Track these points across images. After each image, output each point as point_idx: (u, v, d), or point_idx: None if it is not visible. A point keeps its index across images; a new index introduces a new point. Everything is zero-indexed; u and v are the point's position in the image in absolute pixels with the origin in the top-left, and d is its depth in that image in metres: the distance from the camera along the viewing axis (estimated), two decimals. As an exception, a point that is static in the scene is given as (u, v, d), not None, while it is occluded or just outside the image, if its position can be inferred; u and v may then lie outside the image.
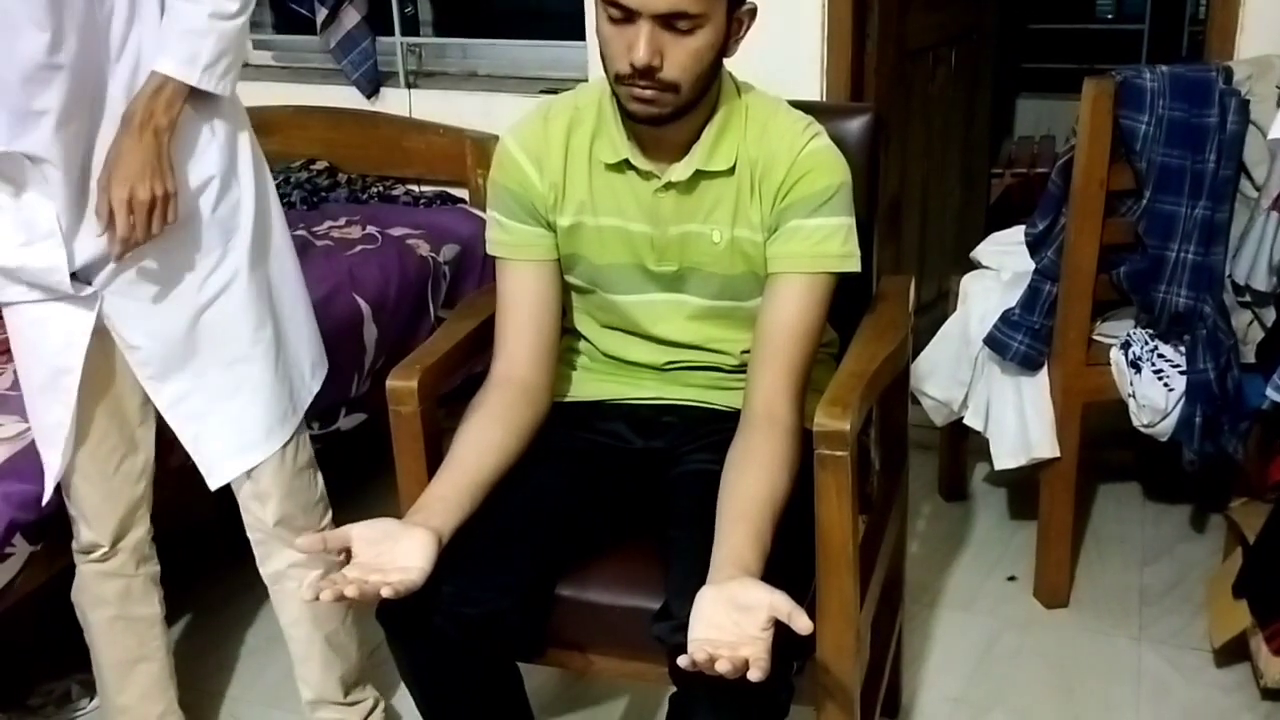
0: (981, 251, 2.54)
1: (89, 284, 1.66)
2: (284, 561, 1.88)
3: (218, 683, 2.27)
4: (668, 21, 1.40)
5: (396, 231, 2.74)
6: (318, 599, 1.32)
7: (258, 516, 1.84)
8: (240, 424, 1.77)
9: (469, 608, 1.43)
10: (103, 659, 1.91)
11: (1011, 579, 2.49)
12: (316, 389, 1.88)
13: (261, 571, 1.91)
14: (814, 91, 2.77)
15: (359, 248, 2.64)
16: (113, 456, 1.79)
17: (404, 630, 1.47)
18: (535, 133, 1.62)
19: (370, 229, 2.74)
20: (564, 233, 1.62)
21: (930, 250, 3.40)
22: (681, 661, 1.26)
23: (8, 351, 2.22)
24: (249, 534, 1.88)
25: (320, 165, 3.14)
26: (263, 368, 1.77)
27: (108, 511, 1.81)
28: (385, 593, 1.33)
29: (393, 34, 3.18)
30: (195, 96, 1.62)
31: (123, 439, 1.79)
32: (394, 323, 2.51)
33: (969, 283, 2.51)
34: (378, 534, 1.40)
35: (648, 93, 1.45)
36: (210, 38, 1.60)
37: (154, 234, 1.60)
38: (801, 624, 1.26)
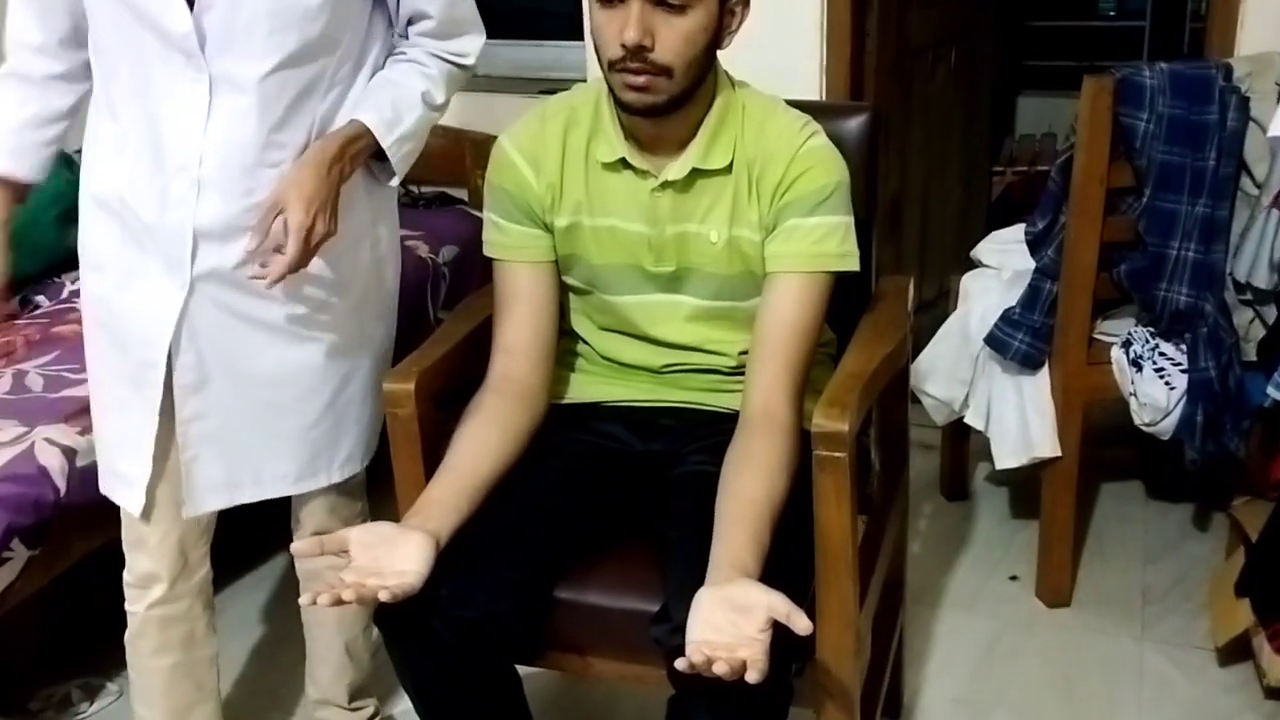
0: (982, 250, 2.53)
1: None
2: (322, 562, 1.82)
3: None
4: (658, 0, 1.41)
5: (395, 233, 2.73)
6: (315, 604, 1.32)
7: (299, 519, 1.83)
8: (238, 460, 1.70)
9: (467, 610, 1.43)
10: (159, 706, 1.82)
11: (1013, 579, 2.48)
12: (349, 474, 1.79)
13: (298, 567, 1.90)
14: (813, 90, 2.76)
15: (358, 249, 2.63)
16: (179, 476, 1.69)
17: (402, 633, 1.47)
18: (532, 134, 1.61)
19: (369, 231, 2.73)
20: (561, 233, 1.61)
21: (931, 249, 3.39)
22: (679, 664, 1.25)
23: (6, 356, 2.23)
24: (293, 527, 1.86)
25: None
26: (295, 426, 1.71)
27: (172, 540, 1.73)
28: (383, 596, 1.33)
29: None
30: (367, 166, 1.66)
31: None
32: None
33: (969, 281, 2.51)
34: (375, 538, 1.40)
35: (641, 78, 1.44)
36: (415, 113, 1.65)
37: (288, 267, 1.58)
38: (800, 625, 1.26)
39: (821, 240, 1.54)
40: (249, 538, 1.88)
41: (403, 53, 1.69)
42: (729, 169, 1.55)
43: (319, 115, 1.60)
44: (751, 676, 1.23)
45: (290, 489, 1.75)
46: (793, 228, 1.54)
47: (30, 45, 1.65)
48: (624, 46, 1.42)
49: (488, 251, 1.66)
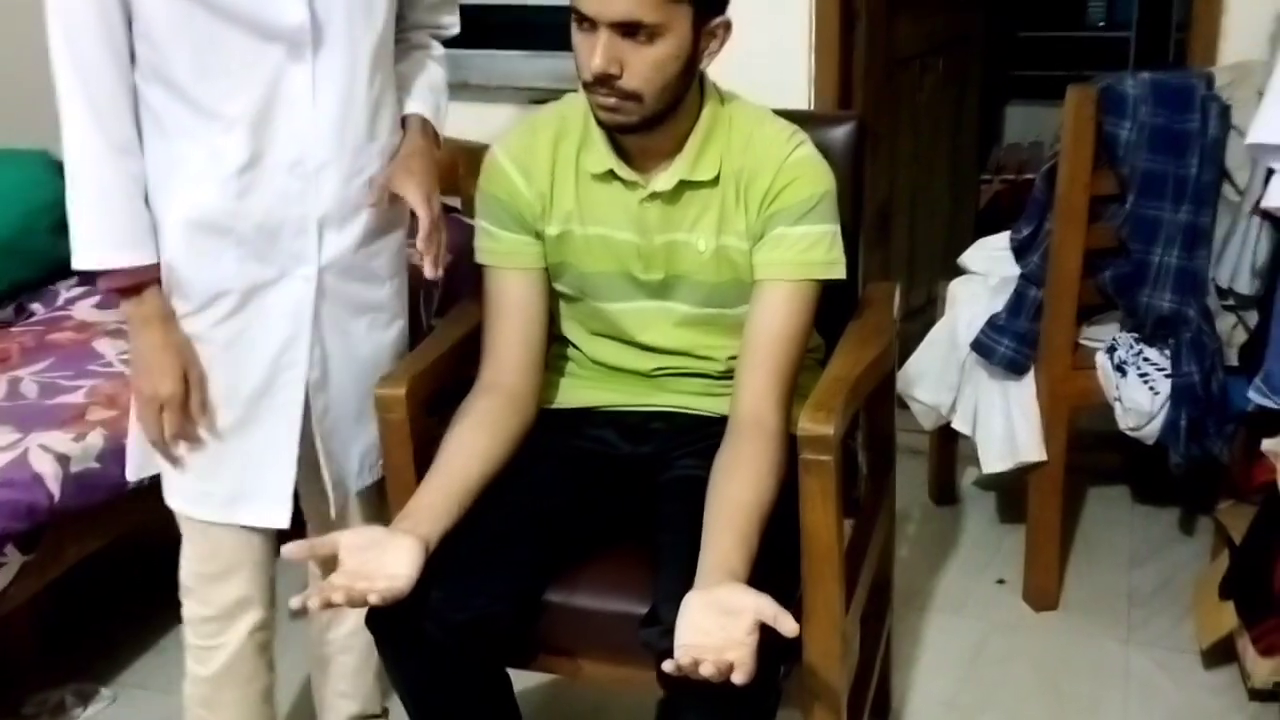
0: (969, 257, 2.56)
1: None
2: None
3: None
4: (626, 30, 1.43)
5: (388, 241, 2.74)
6: (305, 608, 1.33)
7: (342, 523, 1.78)
8: (350, 454, 1.74)
9: (458, 613, 1.45)
10: None
11: (1001, 582, 2.50)
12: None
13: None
14: (802, 100, 2.78)
15: (351, 257, 2.65)
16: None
17: (394, 636, 1.49)
18: (523, 143, 1.63)
19: (362, 238, 2.74)
20: (552, 242, 1.63)
21: (919, 256, 3.41)
22: (666, 666, 1.27)
23: (1, 363, 2.24)
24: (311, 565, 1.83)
25: (312, 175, 3.14)
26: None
27: (268, 558, 1.69)
28: (372, 599, 1.35)
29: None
30: None
31: None
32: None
33: (956, 288, 2.53)
34: (365, 541, 1.42)
35: (610, 100, 1.47)
36: (444, 97, 1.80)
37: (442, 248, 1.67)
38: (787, 626, 1.28)
39: (808, 249, 1.56)
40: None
41: (406, 39, 1.75)
42: (716, 180, 1.57)
43: (394, 82, 1.70)
44: (738, 678, 1.24)
45: (370, 476, 1.77)
46: (780, 236, 1.56)
47: (119, 147, 1.53)
48: (592, 73, 1.45)
49: (479, 258, 1.68)
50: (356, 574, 1.38)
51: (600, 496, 1.64)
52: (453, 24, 1.84)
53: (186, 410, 1.59)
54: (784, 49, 2.73)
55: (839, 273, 1.59)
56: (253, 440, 1.64)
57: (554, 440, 1.67)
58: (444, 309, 2.68)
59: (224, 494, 1.65)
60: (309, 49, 1.53)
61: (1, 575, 1.82)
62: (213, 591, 1.69)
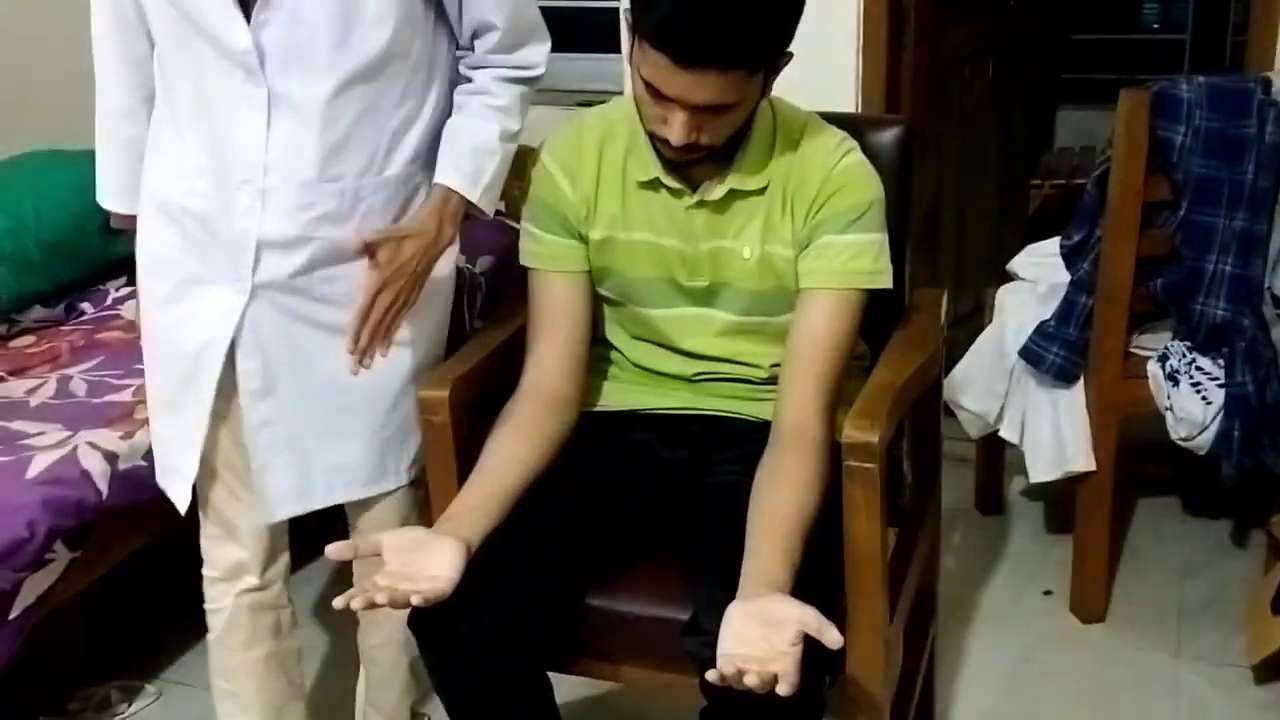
0: (1018, 263, 2.53)
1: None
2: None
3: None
4: (708, 108, 1.41)
5: (433, 243, 2.75)
6: (349, 607, 1.33)
7: (358, 528, 1.80)
8: (309, 466, 1.69)
9: (498, 616, 1.44)
10: (254, 705, 1.82)
11: (1048, 593, 2.47)
12: (416, 473, 1.77)
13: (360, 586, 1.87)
14: (849, 103, 2.76)
15: (396, 259, 2.66)
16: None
17: (434, 638, 1.48)
18: (569, 146, 1.63)
19: (408, 240, 2.75)
20: (595, 246, 1.63)
21: (967, 262, 3.38)
22: (710, 675, 1.26)
23: (51, 361, 2.27)
24: (355, 563, 1.78)
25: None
26: (364, 428, 1.70)
27: (263, 526, 1.73)
28: (414, 600, 1.35)
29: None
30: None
31: None
32: (430, 333, 2.52)
33: (1005, 295, 2.50)
34: (407, 542, 1.42)
35: (680, 154, 1.47)
36: (496, 158, 1.65)
37: (383, 338, 1.59)
38: (831, 638, 1.26)
39: (855, 258, 1.55)
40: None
41: (469, 79, 1.67)
42: (764, 189, 1.56)
43: (389, 131, 1.60)
44: (783, 690, 1.23)
45: (360, 492, 1.75)
46: (826, 245, 1.55)
47: (120, 111, 1.69)
48: (667, 141, 1.44)
49: (523, 261, 1.68)
50: (399, 575, 1.38)
51: (641, 500, 1.63)
52: (534, 63, 1.68)
53: None
54: (832, 51, 2.71)
55: (885, 282, 1.58)
56: (177, 422, 1.69)
57: (595, 444, 1.66)
58: (488, 311, 2.69)
59: (161, 463, 1.75)
60: (262, 76, 1.51)
61: (49, 572, 1.83)
62: (215, 553, 1.76)
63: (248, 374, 1.63)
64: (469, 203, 1.65)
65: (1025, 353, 2.31)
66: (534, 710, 1.58)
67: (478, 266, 2.73)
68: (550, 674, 1.59)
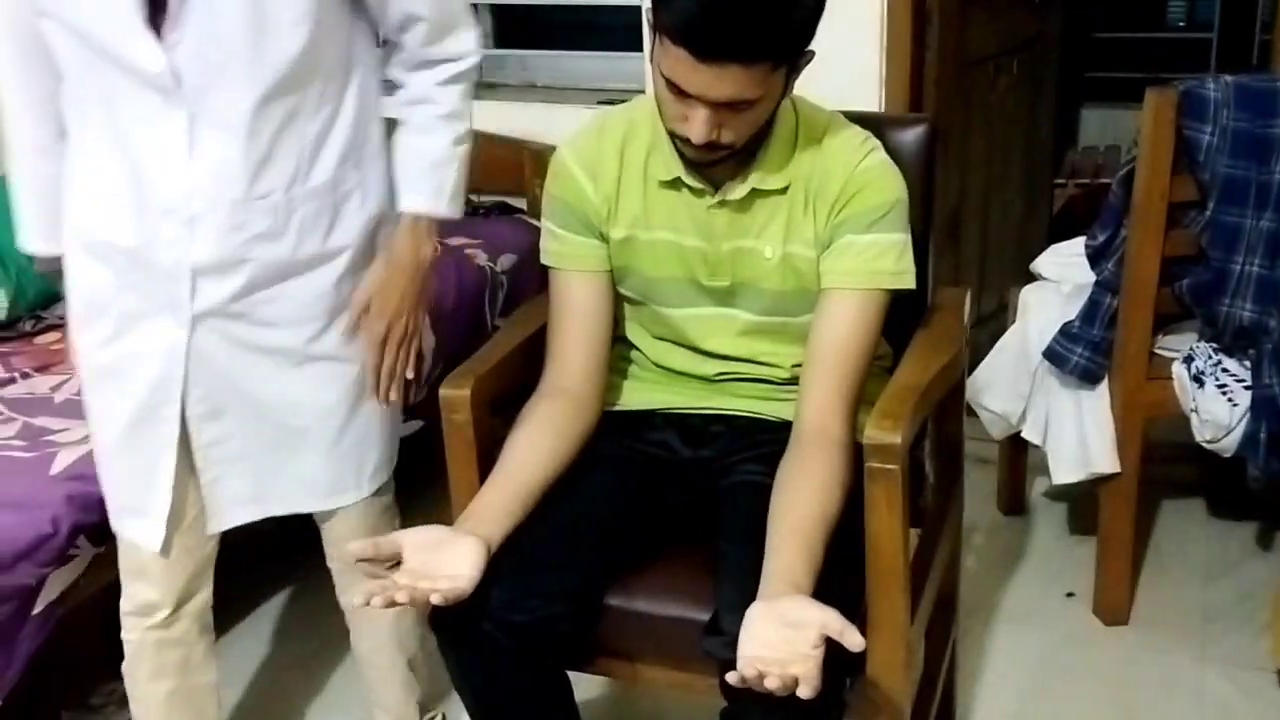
0: (1042, 263, 2.51)
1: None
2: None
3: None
4: (728, 104, 1.40)
5: (455, 241, 2.76)
6: (369, 605, 1.34)
7: (341, 551, 1.78)
8: (264, 476, 1.69)
9: (518, 614, 1.44)
10: None
11: (1070, 595, 2.45)
12: (378, 484, 1.78)
13: (341, 601, 1.87)
14: (872, 102, 2.75)
15: (418, 257, 2.67)
16: (186, 506, 1.68)
17: (455, 636, 1.49)
18: (590, 145, 1.63)
19: (430, 239, 2.76)
20: (616, 245, 1.63)
21: (990, 261, 3.36)
22: (730, 677, 1.26)
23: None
24: (330, 564, 1.86)
25: (381, 175, 3.17)
26: (318, 447, 1.69)
27: (177, 569, 1.71)
28: (434, 599, 1.35)
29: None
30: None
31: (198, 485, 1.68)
32: (452, 331, 2.53)
33: (1028, 295, 2.49)
34: (428, 541, 1.42)
35: (700, 153, 1.46)
36: (453, 166, 1.65)
37: (405, 367, 1.64)
38: (853, 641, 1.26)
39: (877, 258, 1.54)
40: (248, 580, 1.87)
41: (402, 85, 1.64)
42: (786, 188, 1.55)
43: (310, 137, 1.56)
44: (804, 693, 1.23)
45: (320, 504, 1.74)
46: (848, 244, 1.54)
47: (33, 148, 1.62)
48: (688, 139, 1.43)
49: (545, 260, 1.68)
50: (419, 573, 1.38)
51: (661, 500, 1.63)
52: (465, 51, 1.63)
53: None
54: (855, 50, 2.70)
55: (908, 283, 1.57)
56: (134, 460, 1.65)
57: (615, 443, 1.66)
58: (509, 309, 2.70)
59: (115, 506, 1.70)
60: (179, 97, 1.46)
61: (73, 567, 1.85)
62: (130, 588, 1.74)
63: (195, 401, 1.60)
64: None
65: (1049, 353, 2.29)
66: (554, 709, 1.59)
67: (499, 265, 2.74)
68: (570, 673, 1.60)
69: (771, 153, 1.54)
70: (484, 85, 3.26)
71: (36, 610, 1.77)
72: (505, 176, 2.99)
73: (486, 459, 1.63)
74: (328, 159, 1.58)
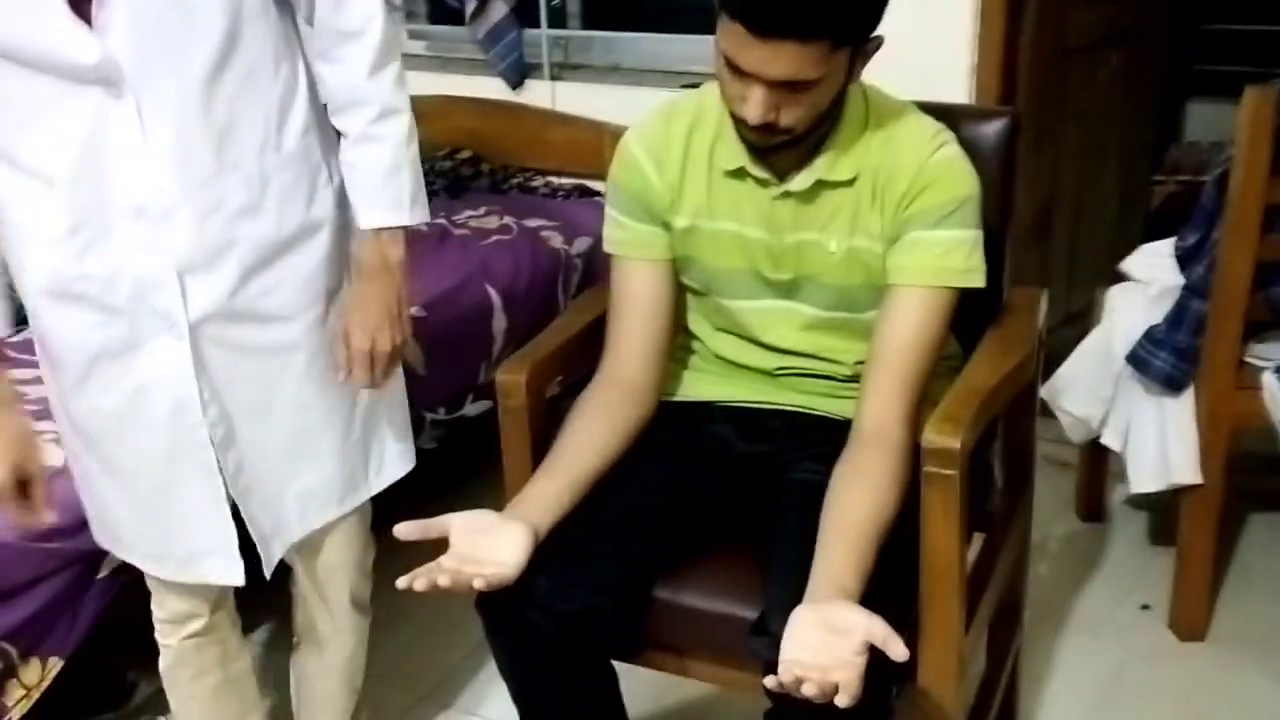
0: (1131, 263, 2.43)
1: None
2: (327, 626, 1.80)
3: None
4: (786, 84, 1.37)
5: (532, 223, 2.76)
6: (411, 588, 1.34)
7: (321, 582, 1.75)
8: (281, 506, 1.63)
9: (564, 603, 1.44)
10: None
11: (1146, 608, 2.37)
12: (390, 480, 1.73)
13: (300, 628, 1.84)
14: (961, 94, 2.68)
15: (494, 238, 2.68)
16: None
17: (500, 621, 1.49)
18: (656, 131, 1.60)
19: (507, 219, 2.77)
20: (679, 235, 1.60)
21: (1082, 259, 3.27)
22: (768, 682, 1.24)
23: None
24: (296, 589, 1.79)
25: (464, 154, 3.19)
26: (329, 444, 1.64)
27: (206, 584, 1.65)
28: (477, 584, 1.35)
29: (540, 26, 3.21)
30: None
31: None
32: (523, 313, 2.53)
33: (1115, 295, 2.40)
34: (475, 525, 1.42)
35: (761, 136, 1.43)
36: (405, 171, 1.55)
37: (387, 380, 1.60)
38: (897, 651, 1.24)
39: (945, 254, 1.49)
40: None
41: (325, 85, 1.54)
42: (852, 180, 1.51)
43: (275, 99, 1.48)
44: (842, 701, 1.20)
45: (335, 512, 1.68)
46: (916, 240, 1.50)
47: None
48: (746, 120, 1.40)
49: (607, 247, 1.66)
50: (465, 557, 1.39)
51: (714, 493, 1.61)
52: (367, 15, 1.48)
53: (27, 501, 1.49)
54: (945, 36, 2.64)
55: (977, 281, 1.52)
56: (179, 504, 1.57)
57: (671, 434, 1.64)
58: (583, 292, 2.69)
59: (168, 554, 1.61)
60: (124, 83, 1.36)
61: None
62: (161, 598, 1.69)
63: (211, 424, 1.53)
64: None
65: (1132, 358, 2.22)
66: (598, 699, 1.58)
67: (574, 248, 2.73)
68: (619, 666, 1.59)
69: (838, 143, 1.50)
70: (568, 66, 3.26)
71: (101, 575, 1.81)
72: (585, 159, 2.98)
73: (541, 445, 1.62)
74: (294, 125, 1.51)
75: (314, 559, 1.74)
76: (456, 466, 1.99)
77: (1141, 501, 2.64)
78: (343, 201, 1.58)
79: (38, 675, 1.75)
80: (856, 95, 1.52)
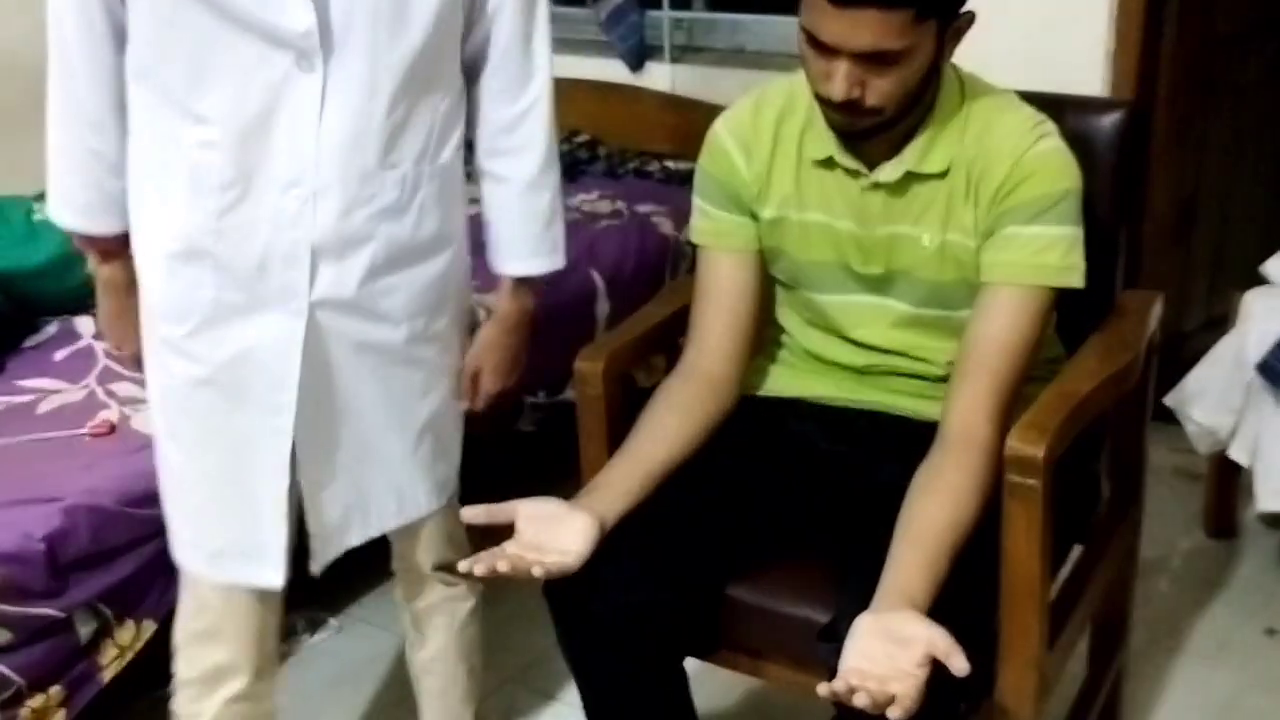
0: (1272, 266, 2.29)
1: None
2: (438, 595, 1.77)
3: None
4: (871, 58, 1.32)
5: (643, 208, 2.74)
6: (471, 574, 1.33)
7: (417, 561, 1.72)
8: (348, 505, 1.58)
9: (627, 595, 1.42)
10: None
11: (1272, 632, 2.24)
12: (448, 495, 1.68)
13: (408, 606, 1.80)
14: (1096, 85, 2.54)
15: (604, 223, 2.67)
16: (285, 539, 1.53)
17: (566, 610, 1.47)
18: (745, 119, 1.56)
19: (619, 204, 2.76)
20: (766, 225, 1.56)
21: (1226, 259, 3.09)
22: (821, 690, 1.20)
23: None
24: (396, 569, 1.77)
25: (582, 138, 3.18)
26: (396, 451, 1.59)
27: (259, 623, 1.57)
28: (536, 572, 1.34)
29: (662, 8, 3.18)
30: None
31: None
32: (627, 298, 2.51)
33: (1253, 299, 2.27)
34: (542, 513, 1.40)
35: (847, 117, 1.38)
36: (557, 219, 1.60)
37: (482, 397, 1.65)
38: (957, 665, 1.18)
39: (1041, 251, 1.42)
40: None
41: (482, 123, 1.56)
42: (945, 172, 1.45)
43: (441, 114, 1.49)
44: (894, 714, 1.15)
45: (393, 522, 1.63)
46: (1011, 236, 1.42)
47: (86, 120, 1.46)
48: (831, 99, 1.36)
49: (692, 237, 1.63)
50: (530, 545, 1.37)
51: (795, 492, 1.56)
52: (524, 165, 1.56)
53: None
54: (1079, 25, 2.51)
55: (1075, 281, 1.44)
56: (242, 492, 1.51)
57: (753, 429, 1.60)
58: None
59: (212, 547, 1.54)
60: (319, 58, 1.36)
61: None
62: (192, 652, 1.58)
63: (300, 407, 1.48)
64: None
65: (1263, 368, 2.09)
66: (664, 696, 1.55)
67: (684, 234, 2.69)
68: (702, 666, 1.55)
69: (931, 132, 1.44)
70: (690, 49, 3.22)
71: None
72: (701, 144, 2.93)
73: (618, 435, 1.59)
74: (452, 140, 1.52)
75: (408, 540, 1.71)
76: (555, 450, 1.98)
77: (1275, 520, 2.49)
78: (471, 226, 1.62)
79: (131, 636, 1.79)
80: (952, 83, 1.45)
